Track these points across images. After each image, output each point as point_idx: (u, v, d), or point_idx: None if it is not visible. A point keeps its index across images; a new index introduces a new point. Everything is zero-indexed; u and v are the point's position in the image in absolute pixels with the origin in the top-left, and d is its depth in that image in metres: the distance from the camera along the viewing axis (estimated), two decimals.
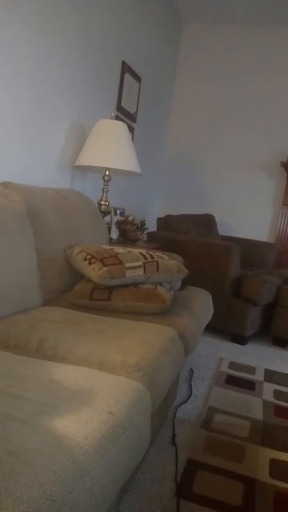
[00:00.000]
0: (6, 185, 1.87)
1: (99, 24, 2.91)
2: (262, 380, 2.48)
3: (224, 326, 3.14)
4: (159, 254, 1.97)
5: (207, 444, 1.72)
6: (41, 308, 1.70)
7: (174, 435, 1.76)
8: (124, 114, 3.47)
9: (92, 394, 1.00)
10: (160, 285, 1.86)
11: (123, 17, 3.22)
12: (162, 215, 3.66)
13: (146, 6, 3.58)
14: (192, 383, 2.29)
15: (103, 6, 2.91)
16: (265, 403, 2.17)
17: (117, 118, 3.01)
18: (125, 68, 3.38)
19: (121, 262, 1.78)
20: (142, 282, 1.84)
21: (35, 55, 2.31)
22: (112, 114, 2.85)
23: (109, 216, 2.92)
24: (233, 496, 1.43)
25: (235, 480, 1.51)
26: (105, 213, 2.80)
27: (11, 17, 2.09)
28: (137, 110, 3.72)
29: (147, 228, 3.08)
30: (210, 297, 2.46)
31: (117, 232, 2.95)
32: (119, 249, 1.89)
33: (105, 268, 1.73)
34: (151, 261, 1.86)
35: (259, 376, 2.53)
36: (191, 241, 3.31)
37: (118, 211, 3.33)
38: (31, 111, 2.37)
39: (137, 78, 3.62)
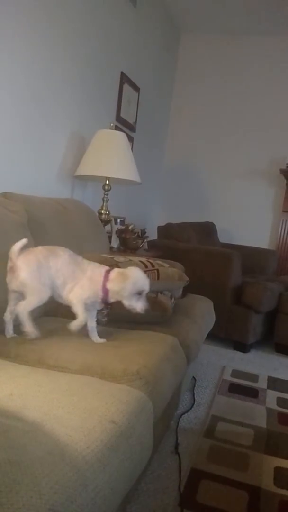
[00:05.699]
0: (6, 195, 1.88)
1: (99, 35, 2.95)
2: (265, 387, 2.47)
3: (226, 334, 3.13)
4: (160, 262, 1.97)
5: (211, 453, 1.71)
6: (42, 318, 1.70)
7: (177, 444, 1.74)
8: (124, 124, 3.49)
9: (94, 403, 1.00)
10: (161, 293, 1.86)
11: (121, 28, 3.26)
12: (163, 224, 3.67)
13: (145, 17, 3.62)
14: (195, 392, 2.28)
15: (102, 17, 2.95)
16: (269, 410, 2.16)
17: (116, 128, 3.04)
18: (124, 78, 3.42)
19: None
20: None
21: (36, 66, 2.34)
22: (112, 124, 2.87)
23: (109, 225, 2.93)
24: (237, 505, 1.41)
25: (239, 489, 1.50)
26: (105, 222, 2.80)
27: (12, 28, 2.11)
28: (136, 120, 3.74)
29: (147, 236, 3.08)
30: (211, 305, 2.46)
31: (118, 241, 2.95)
32: (119, 258, 1.89)
33: None
34: (151, 269, 1.86)
35: (262, 384, 2.52)
36: (191, 249, 3.31)
37: (118, 220, 3.33)
38: (31, 122, 2.39)
39: (136, 89, 3.66)
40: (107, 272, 1.45)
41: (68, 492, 0.71)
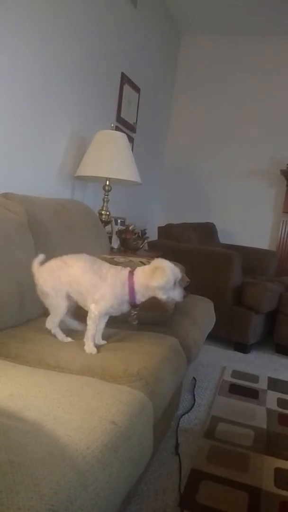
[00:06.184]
0: (7, 196, 1.88)
1: (99, 36, 2.95)
2: (266, 388, 2.46)
3: (226, 335, 3.13)
4: None
5: (211, 453, 1.71)
6: (42, 319, 1.69)
7: (177, 445, 1.74)
8: (124, 125, 3.50)
9: (94, 403, 1.00)
10: None
11: (122, 29, 3.26)
12: (163, 224, 3.67)
13: (145, 17, 3.62)
14: (195, 392, 2.28)
15: (102, 18, 2.95)
16: (269, 411, 2.16)
17: (116, 128, 3.04)
18: (125, 79, 3.42)
19: None
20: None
21: (36, 67, 2.34)
22: (112, 125, 2.88)
23: (109, 225, 2.93)
24: (237, 506, 1.41)
25: (240, 490, 1.50)
26: (105, 223, 2.80)
27: (13, 30, 2.11)
28: (136, 120, 3.74)
29: (147, 237, 3.08)
30: (212, 305, 2.46)
31: (118, 241, 2.95)
32: (120, 258, 1.89)
33: None
34: None
35: (262, 385, 2.51)
36: (192, 249, 3.31)
37: (118, 221, 3.33)
38: (32, 122, 2.39)
39: (136, 89, 3.66)
40: (131, 273, 1.42)
41: (69, 493, 0.71)
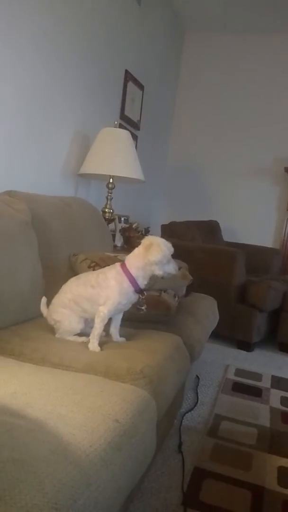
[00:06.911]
0: (10, 193, 1.88)
1: (103, 33, 2.94)
2: (269, 386, 2.46)
3: (230, 333, 3.13)
4: None
5: (214, 452, 1.71)
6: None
7: (180, 443, 1.74)
8: (128, 122, 3.49)
9: (97, 401, 1.00)
10: (164, 292, 1.86)
11: (126, 26, 3.25)
12: (166, 222, 3.66)
13: (149, 15, 3.61)
14: (198, 391, 2.27)
15: (107, 15, 2.94)
16: (272, 410, 2.15)
17: (120, 126, 3.03)
18: (128, 76, 3.41)
19: None
20: (147, 288, 1.83)
21: (40, 65, 2.33)
22: (116, 122, 2.87)
23: (113, 223, 2.93)
24: (240, 505, 1.41)
25: (243, 489, 1.49)
26: (109, 221, 2.80)
27: (16, 27, 2.11)
28: (140, 118, 3.74)
29: (151, 235, 3.08)
30: (215, 304, 2.45)
31: (121, 239, 2.95)
32: (123, 256, 1.89)
33: None
34: None
35: (266, 383, 2.51)
36: (195, 247, 3.30)
37: (122, 218, 3.33)
38: (36, 120, 2.39)
39: (140, 87, 3.65)
40: (123, 264, 1.45)
41: (72, 491, 0.71)
